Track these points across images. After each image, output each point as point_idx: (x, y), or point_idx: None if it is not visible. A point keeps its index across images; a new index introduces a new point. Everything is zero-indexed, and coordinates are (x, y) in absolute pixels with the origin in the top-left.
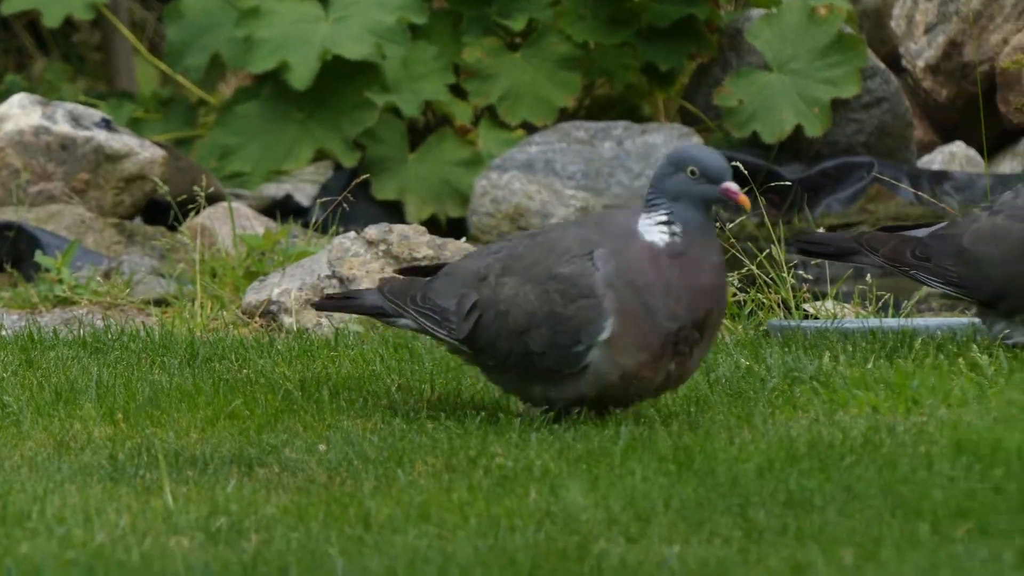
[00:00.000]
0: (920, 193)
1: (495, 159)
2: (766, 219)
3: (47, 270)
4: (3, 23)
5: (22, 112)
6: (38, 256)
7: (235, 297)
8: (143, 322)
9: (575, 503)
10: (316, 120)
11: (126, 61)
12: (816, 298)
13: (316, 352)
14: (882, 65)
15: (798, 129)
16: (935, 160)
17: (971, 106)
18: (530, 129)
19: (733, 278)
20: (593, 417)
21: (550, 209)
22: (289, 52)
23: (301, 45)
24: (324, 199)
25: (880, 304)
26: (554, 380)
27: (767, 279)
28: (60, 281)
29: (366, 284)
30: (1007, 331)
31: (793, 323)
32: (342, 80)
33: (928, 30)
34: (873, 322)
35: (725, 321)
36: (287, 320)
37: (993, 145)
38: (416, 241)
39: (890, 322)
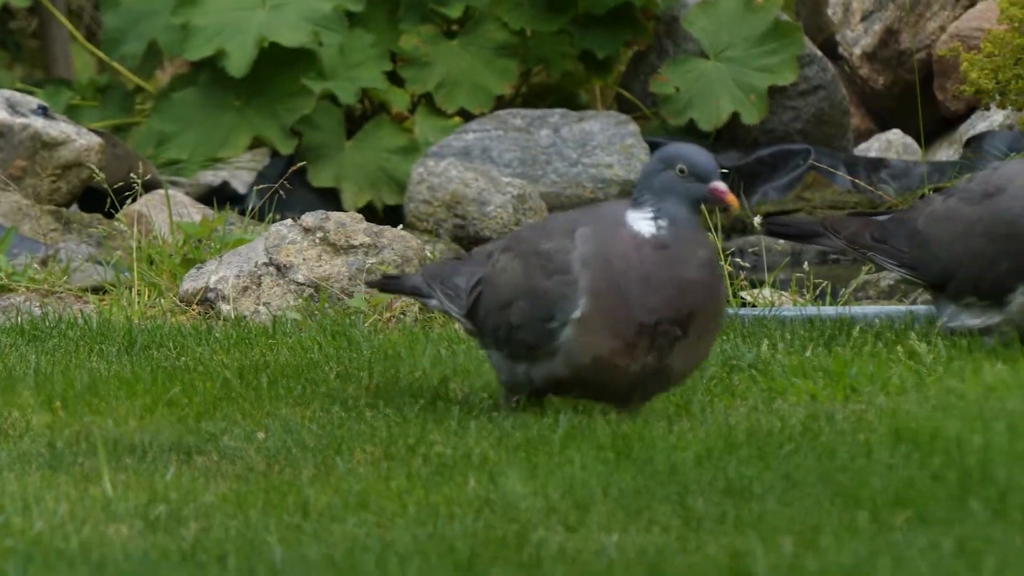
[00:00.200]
0: (857, 181)
1: (432, 146)
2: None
3: None
4: None
5: None
6: None
7: (172, 285)
8: (81, 310)
9: (514, 491)
10: (253, 107)
11: (63, 48)
12: (754, 286)
13: (254, 340)
14: (819, 53)
15: (735, 117)
16: (872, 148)
17: (908, 94)
18: (467, 117)
19: None
20: (534, 407)
21: (487, 196)
22: (226, 39)
23: (238, 32)
24: (261, 186)
25: (818, 292)
26: (535, 358)
27: None
28: None
29: (303, 272)
30: (955, 314)
31: (731, 311)
32: (279, 67)
33: (865, 18)
34: (811, 310)
35: None
36: (224, 308)
37: (930, 132)
38: (353, 229)
39: (828, 310)
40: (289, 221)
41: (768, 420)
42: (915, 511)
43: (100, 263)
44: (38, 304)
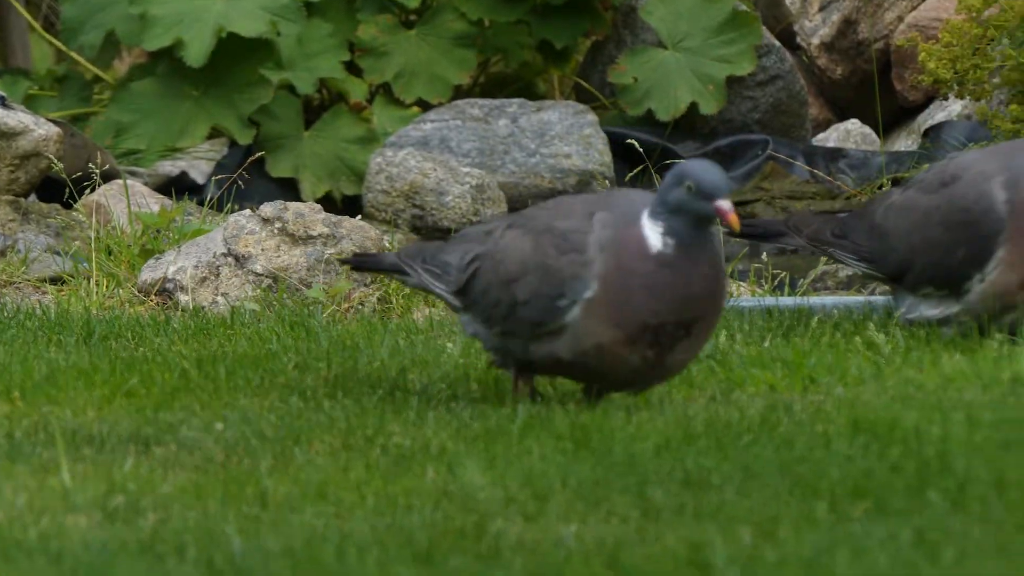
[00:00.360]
0: (815, 171)
1: (390, 136)
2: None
3: None
4: None
5: None
6: None
7: (131, 275)
8: (39, 300)
9: (472, 482)
10: (211, 97)
11: (21, 38)
12: None
13: (212, 330)
14: (777, 43)
15: (693, 107)
16: (830, 138)
17: (866, 84)
18: (425, 106)
19: None
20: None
21: (445, 187)
22: (184, 29)
23: (196, 22)
24: (219, 176)
25: (776, 283)
26: (537, 336)
27: None
28: None
29: (261, 262)
30: (913, 306)
31: None
32: (237, 57)
33: (823, 8)
34: (769, 300)
35: None
36: (183, 298)
37: (888, 122)
38: (311, 219)
39: (786, 300)
40: (248, 211)
41: (727, 411)
42: (874, 502)
43: (58, 253)
44: None
